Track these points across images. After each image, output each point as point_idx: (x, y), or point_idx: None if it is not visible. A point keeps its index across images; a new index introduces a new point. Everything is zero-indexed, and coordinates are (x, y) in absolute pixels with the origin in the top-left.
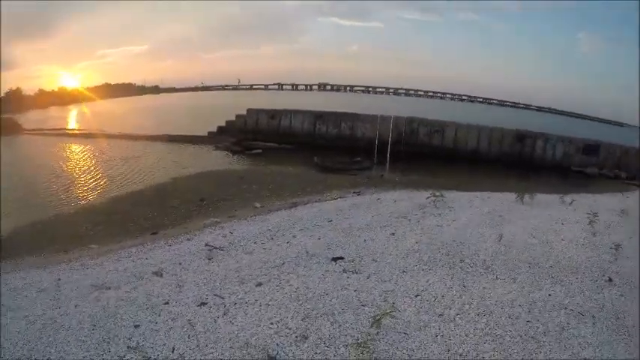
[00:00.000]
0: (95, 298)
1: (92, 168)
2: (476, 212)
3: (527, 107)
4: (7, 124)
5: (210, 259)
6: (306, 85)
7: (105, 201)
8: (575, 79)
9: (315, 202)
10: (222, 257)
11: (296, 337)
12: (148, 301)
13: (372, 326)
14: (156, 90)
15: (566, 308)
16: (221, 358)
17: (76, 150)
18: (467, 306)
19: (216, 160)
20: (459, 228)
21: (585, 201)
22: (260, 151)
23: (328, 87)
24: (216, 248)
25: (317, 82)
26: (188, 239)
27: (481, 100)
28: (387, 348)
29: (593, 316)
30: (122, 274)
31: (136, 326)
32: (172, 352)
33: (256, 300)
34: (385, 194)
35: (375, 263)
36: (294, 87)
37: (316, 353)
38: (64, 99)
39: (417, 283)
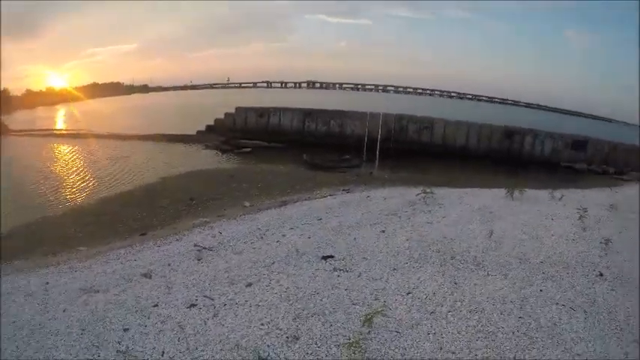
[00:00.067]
0: (84, 302)
1: (81, 169)
2: (466, 209)
3: (515, 104)
4: None
5: (199, 260)
6: (294, 83)
7: (93, 202)
8: (564, 75)
9: (305, 200)
10: (212, 258)
11: (287, 337)
12: (137, 304)
13: (363, 325)
14: (145, 89)
15: (557, 303)
16: None
17: (64, 151)
18: (458, 303)
19: (206, 159)
20: (450, 225)
21: (574, 196)
22: (249, 149)
23: (317, 84)
24: (205, 248)
25: (306, 80)
26: (177, 240)
27: (470, 97)
28: (379, 347)
29: (585, 311)
30: (111, 276)
31: (125, 330)
32: (162, 355)
33: (246, 301)
34: (375, 191)
35: (365, 261)
36: (283, 85)
37: (308, 354)
38: (51, 99)
39: (408, 281)
